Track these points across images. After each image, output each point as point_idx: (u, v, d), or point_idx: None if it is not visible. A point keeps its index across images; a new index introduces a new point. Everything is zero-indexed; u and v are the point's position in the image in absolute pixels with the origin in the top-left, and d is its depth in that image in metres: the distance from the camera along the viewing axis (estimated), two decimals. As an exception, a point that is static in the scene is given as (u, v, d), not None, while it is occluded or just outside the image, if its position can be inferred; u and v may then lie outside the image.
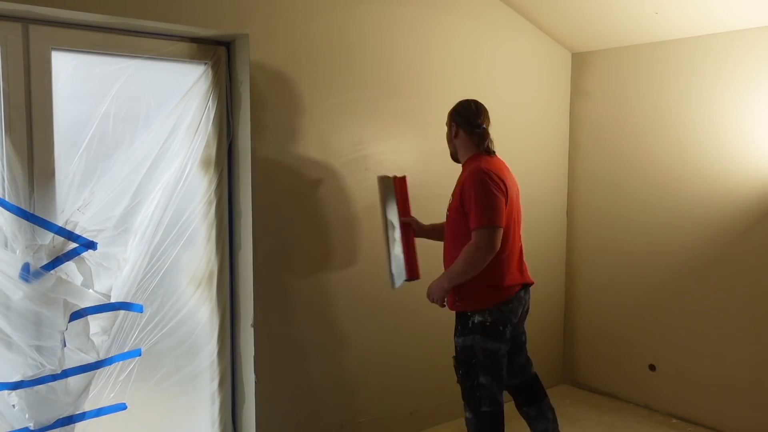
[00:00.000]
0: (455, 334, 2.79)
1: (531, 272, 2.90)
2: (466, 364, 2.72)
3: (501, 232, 2.61)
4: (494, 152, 2.80)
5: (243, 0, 2.82)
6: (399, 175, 3.07)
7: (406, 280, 3.01)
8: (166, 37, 2.80)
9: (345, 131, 3.20)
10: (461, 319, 2.77)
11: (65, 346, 2.47)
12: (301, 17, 3.00)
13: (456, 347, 2.78)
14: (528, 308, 2.89)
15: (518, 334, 2.88)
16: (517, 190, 2.83)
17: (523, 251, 2.87)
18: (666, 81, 3.78)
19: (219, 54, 2.94)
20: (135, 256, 2.68)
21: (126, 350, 2.72)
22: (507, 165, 2.84)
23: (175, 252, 2.85)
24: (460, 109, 2.81)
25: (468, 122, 2.77)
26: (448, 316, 3.70)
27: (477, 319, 2.69)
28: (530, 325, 3.96)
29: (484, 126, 2.77)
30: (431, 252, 3.06)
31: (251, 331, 2.97)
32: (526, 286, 2.83)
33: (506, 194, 2.66)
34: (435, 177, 3.55)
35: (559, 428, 2.98)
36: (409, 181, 3.07)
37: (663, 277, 3.85)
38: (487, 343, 2.68)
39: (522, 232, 2.88)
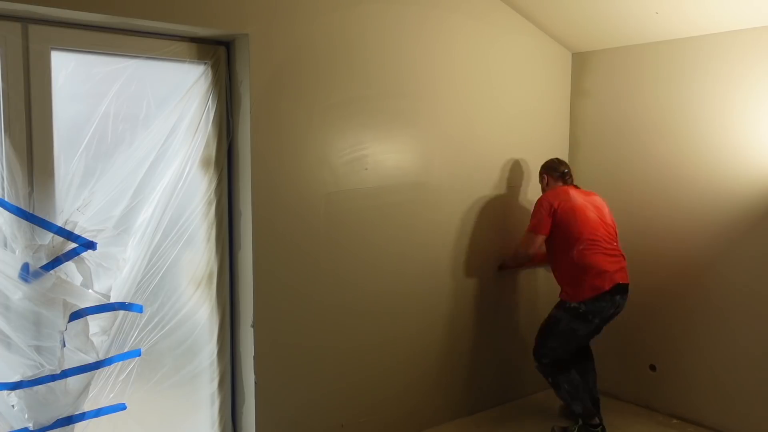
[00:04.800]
0: None
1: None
2: None
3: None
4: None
5: (243, 0, 2.82)
6: None
7: None
8: (166, 37, 2.80)
9: (345, 131, 3.20)
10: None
11: (65, 346, 2.46)
12: (301, 17, 3.00)
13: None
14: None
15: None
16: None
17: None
18: (666, 81, 3.78)
19: (219, 54, 2.93)
20: (135, 256, 2.68)
21: (126, 350, 2.71)
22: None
23: (174, 252, 2.85)
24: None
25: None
26: (448, 316, 3.71)
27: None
28: (530, 324, 3.98)
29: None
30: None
31: (251, 331, 2.97)
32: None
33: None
34: (435, 177, 3.55)
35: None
36: None
37: (663, 277, 3.85)
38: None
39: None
